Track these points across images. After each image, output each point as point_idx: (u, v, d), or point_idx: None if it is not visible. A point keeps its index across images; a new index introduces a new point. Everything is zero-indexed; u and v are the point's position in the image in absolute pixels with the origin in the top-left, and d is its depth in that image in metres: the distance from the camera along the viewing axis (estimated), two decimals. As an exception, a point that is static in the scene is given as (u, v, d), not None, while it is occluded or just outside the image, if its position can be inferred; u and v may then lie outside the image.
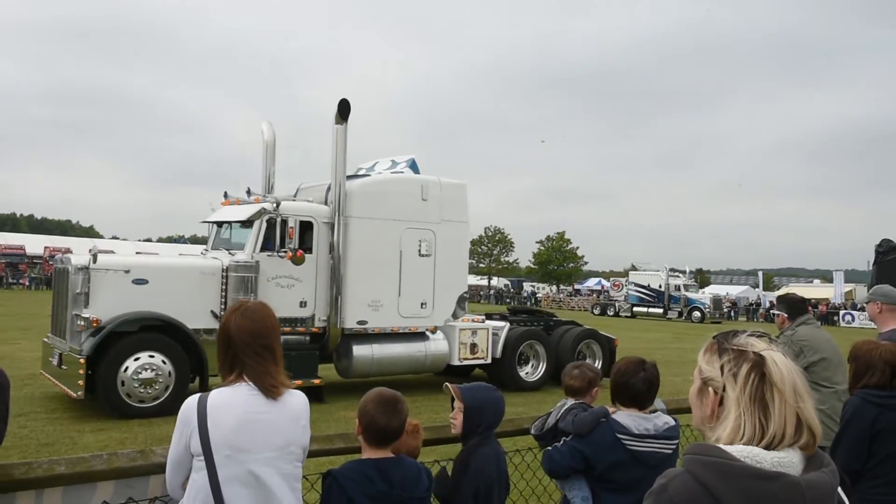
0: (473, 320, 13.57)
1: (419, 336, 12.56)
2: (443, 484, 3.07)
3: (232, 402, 2.47)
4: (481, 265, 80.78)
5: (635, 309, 48.30)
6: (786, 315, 5.56)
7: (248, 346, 2.51)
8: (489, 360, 13.20)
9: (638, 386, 3.22)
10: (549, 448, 3.32)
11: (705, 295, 48.49)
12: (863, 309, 36.90)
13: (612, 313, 49.21)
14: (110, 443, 8.49)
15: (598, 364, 14.25)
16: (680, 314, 46.17)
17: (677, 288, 47.34)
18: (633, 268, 54.48)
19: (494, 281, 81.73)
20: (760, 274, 73.62)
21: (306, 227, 11.52)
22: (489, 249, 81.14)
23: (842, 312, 48.80)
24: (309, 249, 11.44)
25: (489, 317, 14.57)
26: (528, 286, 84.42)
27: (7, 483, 2.61)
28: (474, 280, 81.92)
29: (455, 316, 13.07)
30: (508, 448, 4.00)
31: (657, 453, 3.09)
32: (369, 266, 11.92)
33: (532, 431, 3.59)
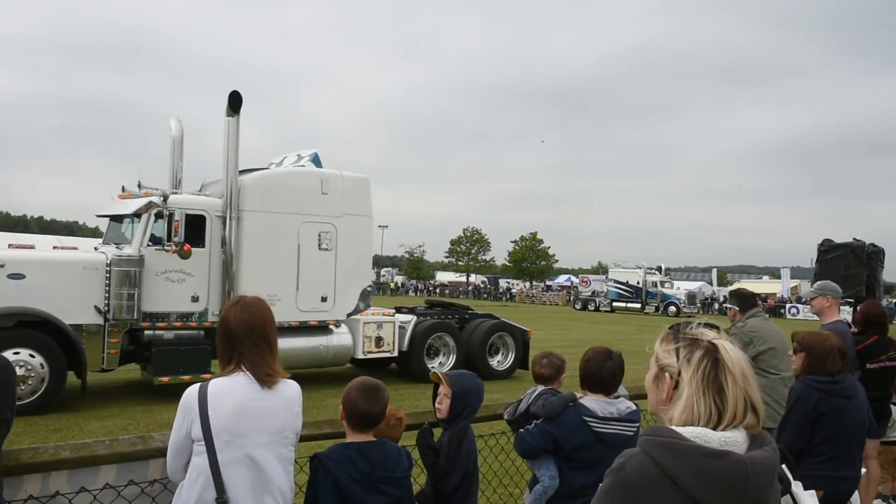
0: (385, 314, 12.63)
1: (321, 330, 11.69)
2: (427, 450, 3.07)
3: (230, 390, 2.46)
4: (460, 263, 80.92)
5: (615, 304, 48.14)
6: (737, 308, 5.63)
7: (247, 337, 2.52)
8: (396, 354, 12.41)
9: (603, 374, 3.25)
10: (522, 430, 3.33)
11: (680, 290, 48.48)
12: (807, 302, 37.50)
13: (592, 308, 49.13)
14: (114, 429, 8.42)
15: (511, 356, 13.81)
16: (657, 309, 46.13)
17: (654, 284, 47.34)
18: (600, 266, 54.86)
19: (473, 278, 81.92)
20: (714, 271, 74.37)
21: (199, 221, 10.63)
22: (468, 249, 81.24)
23: (788, 306, 49.62)
24: (201, 243, 10.57)
25: (399, 310, 13.65)
26: (503, 282, 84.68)
27: (16, 467, 2.58)
28: (454, 277, 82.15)
29: (359, 310, 12.15)
30: (484, 432, 4.01)
31: (620, 434, 3.12)
32: (265, 260, 11.08)
33: (505, 416, 3.60)
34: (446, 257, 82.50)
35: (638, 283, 47.52)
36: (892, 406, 6.24)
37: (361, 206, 12.16)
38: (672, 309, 45.00)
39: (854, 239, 8.03)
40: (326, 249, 11.65)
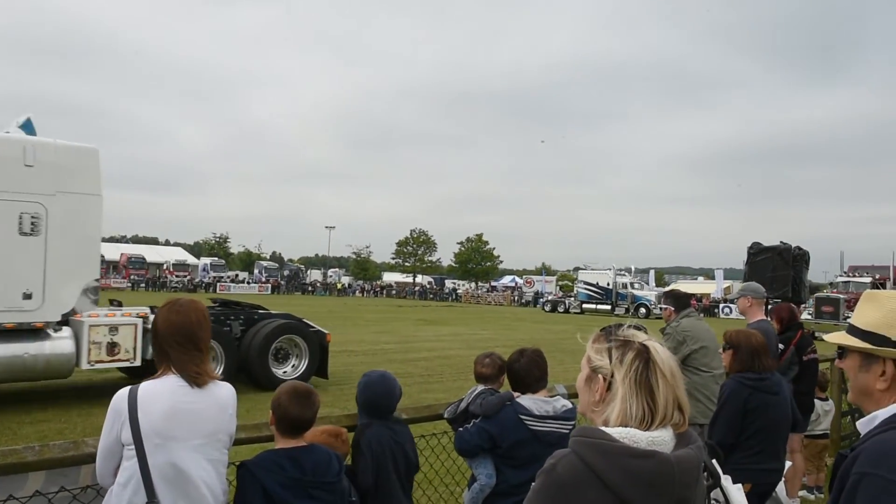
0: (125, 314, 10.16)
1: (27, 335, 9.37)
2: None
3: (160, 392, 2.40)
4: (407, 264, 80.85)
5: (585, 306, 47.28)
6: (672, 308, 5.76)
7: (172, 338, 2.46)
8: (138, 362, 9.98)
9: (517, 369, 3.28)
10: (460, 429, 3.34)
11: (651, 292, 47.56)
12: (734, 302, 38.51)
13: (562, 310, 48.22)
14: (49, 433, 8.08)
15: (305, 362, 11.95)
16: (627, 310, 44.93)
17: (624, 286, 46.56)
18: (544, 267, 55.21)
19: (419, 278, 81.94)
20: (652, 272, 76.04)
21: None
22: (414, 250, 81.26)
23: (721, 305, 50.89)
24: None
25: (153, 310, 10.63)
26: (449, 283, 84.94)
27: (-64, 476, 2.42)
28: (400, 277, 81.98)
29: (81, 309, 9.81)
30: (426, 432, 4.00)
31: (555, 432, 3.14)
32: None
33: (445, 415, 3.60)
34: (393, 258, 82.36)
35: (608, 284, 46.81)
36: (816, 401, 6.52)
37: (85, 183, 9.83)
38: (642, 310, 43.92)
39: (781, 242, 8.33)
40: (31, 234, 9.39)
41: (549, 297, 55.46)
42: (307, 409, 2.68)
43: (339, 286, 72.60)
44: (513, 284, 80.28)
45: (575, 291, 50.39)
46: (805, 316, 22.98)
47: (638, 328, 1.64)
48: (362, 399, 3.19)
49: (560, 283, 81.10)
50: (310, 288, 70.73)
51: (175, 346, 2.46)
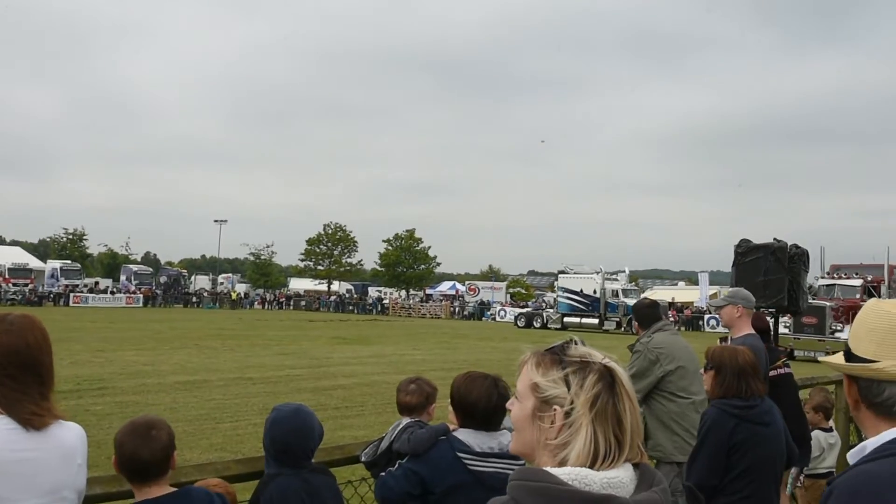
0: None
1: None
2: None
3: None
4: (319, 267, 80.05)
5: (566, 319, 47.03)
6: (640, 321, 5.88)
7: (2, 367, 2.34)
8: None
9: (481, 407, 3.23)
10: (383, 474, 3.31)
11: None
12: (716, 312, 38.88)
13: (538, 325, 47.90)
14: None
15: None
16: (618, 325, 44.22)
17: (615, 293, 46.14)
18: (491, 270, 55.45)
19: (335, 286, 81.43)
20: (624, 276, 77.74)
21: None
22: (329, 249, 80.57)
23: (707, 317, 51.60)
24: None
25: None
26: (373, 291, 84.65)
27: None
28: (311, 284, 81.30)
29: None
30: (340, 479, 3.96)
31: (500, 473, 3.11)
32: None
33: (363, 458, 3.56)
34: (302, 260, 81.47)
35: (595, 291, 46.54)
36: (818, 433, 6.71)
37: None
38: (635, 323, 44.27)
39: (775, 239, 8.60)
40: None
41: (526, 309, 55.17)
42: (143, 448, 2.61)
43: (232, 296, 71.50)
44: (453, 292, 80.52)
45: (554, 301, 50.17)
46: (782, 330, 23.33)
47: (584, 343, 1.66)
48: (269, 441, 3.13)
49: (511, 290, 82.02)
50: (194, 299, 69.52)
51: (6, 379, 2.34)
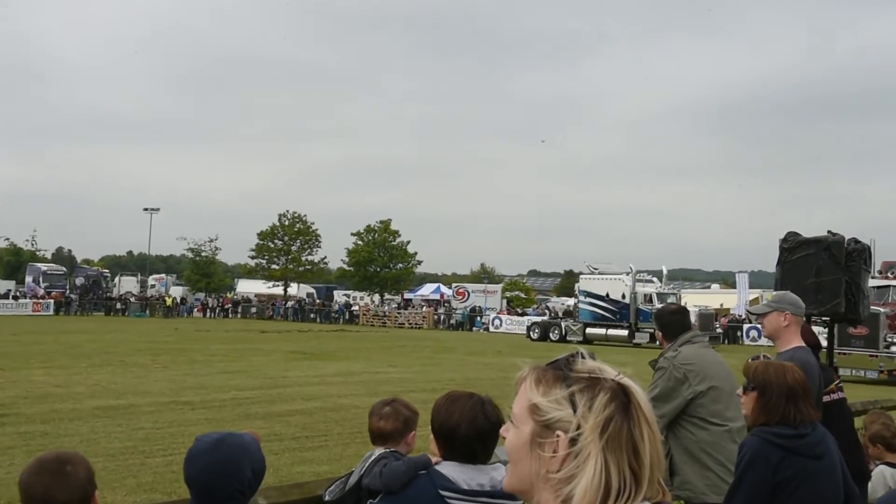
0: None
1: None
2: None
3: None
4: (274, 267, 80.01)
5: (589, 331, 47.12)
6: (664, 332, 5.90)
7: None
8: None
9: (464, 434, 3.25)
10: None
11: (689, 309, 47.02)
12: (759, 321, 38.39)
13: (556, 337, 48.28)
14: None
15: None
16: (652, 337, 43.05)
17: (648, 299, 46.01)
18: (484, 270, 55.43)
19: (293, 289, 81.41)
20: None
21: None
22: (285, 245, 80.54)
23: (746, 327, 51.90)
24: None
25: None
26: (340, 295, 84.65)
27: None
28: (264, 288, 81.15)
29: None
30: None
31: (490, 516, 3.15)
32: None
33: (327, 498, 3.58)
34: (253, 257, 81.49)
35: (624, 296, 46.51)
36: (884, 468, 6.75)
37: None
38: None
39: (829, 232, 8.64)
40: None
41: (540, 318, 55.04)
42: (58, 488, 2.61)
43: (166, 301, 71.39)
44: (437, 297, 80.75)
45: (574, 308, 50.07)
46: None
47: (593, 357, 1.66)
48: (185, 479, 3.14)
49: (507, 294, 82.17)
50: (119, 305, 69.36)
51: None
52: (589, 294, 48.30)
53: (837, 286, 8.29)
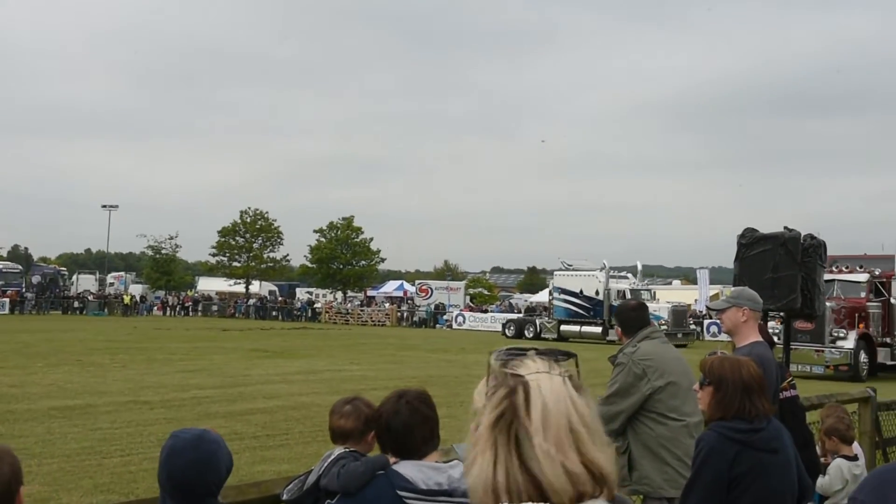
0: None
1: None
2: None
3: None
4: (235, 264, 79.55)
5: (563, 327, 47.10)
6: (623, 327, 5.94)
7: None
8: None
9: (393, 424, 3.29)
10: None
11: (661, 305, 46.14)
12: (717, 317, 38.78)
13: (531, 335, 48.16)
14: None
15: None
16: None
17: (621, 295, 45.25)
18: (447, 267, 55.37)
19: (255, 286, 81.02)
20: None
21: None
22: (247, 242, 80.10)
23: (707, 322, 52.50)
24: None
25: None
26: (302, 292, 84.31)
27: None
28: (225, 285, 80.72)
29: None
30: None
31: (449, 516, 3.17)
32: None
33: (284, 496, 3.57)
34: (213, 255, 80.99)
35: (597, 293, 46.47)
36: (840, 461, 6.83)
37: None
38: None
39: (785, 228, 8.76)
40: None
41: (516, 315, 55.08)
42: None
43: (125, 300, 70.72)
44: (400, 294, 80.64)
45: (550, 304, 50.14)
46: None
47: (564, 354, 1.66)
48: (165, 476, 3.13)
49: (470, 291, 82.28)
50: (77, 304, 68.66)
51: None
52: (563, 291, 48.24)
53: (794, 281, 8.40)
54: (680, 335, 43.97)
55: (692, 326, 49.18)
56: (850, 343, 26.92)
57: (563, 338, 46.00)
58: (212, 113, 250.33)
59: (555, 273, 51.28)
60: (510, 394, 1.56)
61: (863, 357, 27.26)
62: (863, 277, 29.54)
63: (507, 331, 50.71)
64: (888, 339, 28.75)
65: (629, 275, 50.24)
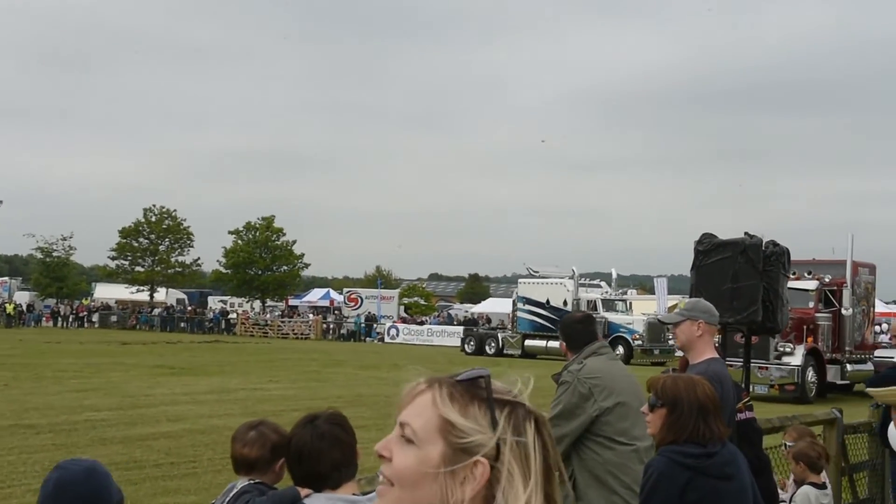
0: None
1: None
2: None
3: None
4: (138, 269, 78.71)
5: (528, 342, 46.56)
6: (568, 342, 5.98)
7: None
8: None
9: (304, 451, 3.30)
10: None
11: (635, 318, 46.22)
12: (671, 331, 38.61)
13: (492, 351, 48.04)
14: None
15: None
16: None
17: (592, 306, 44.96)
18: (379, 273, 55.24)
19: (161, 294, 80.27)
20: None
21: None
22: (152, 244, 79.31)
23: (664, 335, 53.04)
24: None
25: None
26: (215, 301, 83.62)
27: None
28: (127, 293, 79.76)
29: None
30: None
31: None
32: None
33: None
34: (113, 258, 79.99)
35: (565, 303, 45.30)
36: (808, 488, 6.97)
37: None
38: (619, 349, 42.55)
39: (746, 234, 8.88)
40: None
41: (480, 328, 54.78)
42: None
43: (8, 309, 69.48)
44: (326, 303, 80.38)
45: (513, 316, 49.52)
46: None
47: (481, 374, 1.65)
48: None
49: (405, 301, 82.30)
50: (-47, 314, 67.29)
51: None
52: (528, 301, 47.52)
53: (755, 292, 8.51)
54: (657, 351, 44.23)
55: (671, 342, 49.22)
56: (797, 359, 26.59)
57: (528, 354, 45.42)
58: (113, 100, 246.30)
59: (519, 281, 50.74)
60: (536, 424, 1.60)
61: (811, 375, 26.88)
62: (812, 285, 28.46)
63: (466, 345, 50.24)
64: (838, 356, 28.27)
65: (602, 283, 50.21)
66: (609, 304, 46.16)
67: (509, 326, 50.95)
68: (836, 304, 28.19)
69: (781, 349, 26.68)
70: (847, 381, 28.49)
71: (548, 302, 46.50)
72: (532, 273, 49.55)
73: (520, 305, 48.26)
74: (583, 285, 47.18)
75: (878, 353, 30.16)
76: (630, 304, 49.81)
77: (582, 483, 5.52)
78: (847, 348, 28.33)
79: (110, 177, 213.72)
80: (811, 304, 28.00)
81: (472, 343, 49.86)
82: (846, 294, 28.11)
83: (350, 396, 22.86)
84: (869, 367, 28.79)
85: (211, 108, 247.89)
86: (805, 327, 27.34)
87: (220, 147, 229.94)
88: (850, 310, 27.84)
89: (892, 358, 28.52)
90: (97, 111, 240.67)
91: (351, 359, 40.29)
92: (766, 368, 26.40)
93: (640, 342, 42.98)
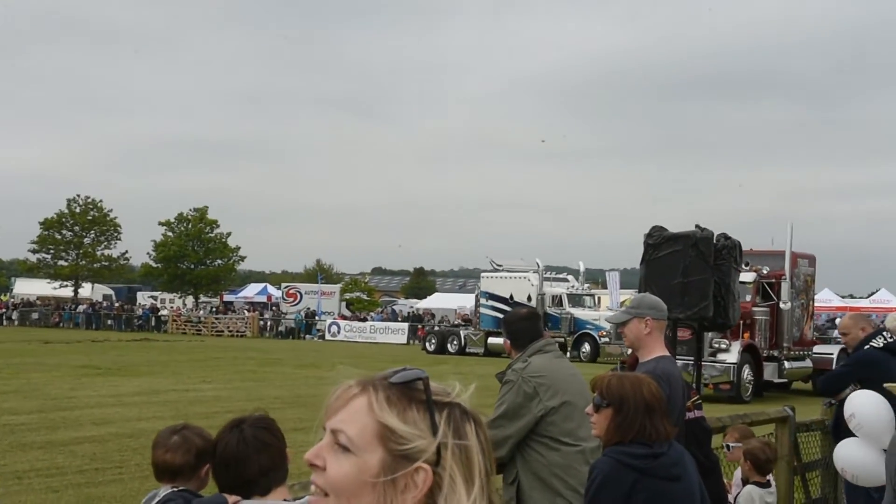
0: None
1: None
2: None
3: None
4: (62, 263, 77.90)
5: (491, 340, 44.62)
6: (511, 339, 6.02)
7: None
8: None
9: (232, 456, 3.30)
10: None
11: (601, 313, 44.97)
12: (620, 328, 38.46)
13: (454, 349, 48.01)
14: None
15: None
16: (563, 347, 39.94)
17: (558, 301, 45.53)
18: (319, 267, 54.95)
19: (87, 290, 79.53)
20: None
21: None
22: (76, 236, 78.50)
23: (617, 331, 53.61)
24: None
25: None
26: (144, 297, 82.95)
27: None
28: (50, 288, 78.92)
29: None
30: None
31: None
32: None
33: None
34: (35, 252, 79.05)
35: (529, 298, 44.58)
36: (751, 488, 7.11)
37: None
38: (586, 347, 43.44)
39: (697, 227, 8.98)
40: None
41: (439, 325, 54.73)
42: None
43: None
44: (263, 299, 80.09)
45: (475, 312, 49.37)
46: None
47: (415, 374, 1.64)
48: None
49: (347, 296, 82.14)
50: None
51: None
52: (491, 296, 47.13)
53: (706, 287, 8.60)
54: (630, 352, 43.32)
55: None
56: (732, 357, 26.13)
57: (491, 352, 44.34)
58: (33, 82, 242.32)
59: (482, 275, 50.35)
60: (475, 425, 1.62)
61: (747, 374, 26.55)
62: (749, 277, 27.39)
63: (427, 344, 50.31)
64: (776, 353, 28.01)
65: (569, 277, 50.19)
66: (575, 300, 46.15)
67: (472, 322, 50.65)
68: (774, 298, 27.94)
69: (716, 346, 26.37)
70: (785, 380, 28.40)
71: (511, 297, 45.83)
72: (496, 267, 49.10)
73: (483, 301, 47.98)
74: (548, 279, 46.98)
75: (816, 349, 30.09)
76: (598, 298, 49.85)
77: (526, 485, 5.56)
78: (785, 345, 28.03)
79: (31, 164, 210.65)
80: (748, 298, 27.11)
81: (433, 342, 49.80)
82: (785, 287, 27.79)
83: (289, 397, 22.81)
84: (808, 364, 28.78)
85: (141, 96, 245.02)
86: (741, 322, 25.52)
87: (150, 136, 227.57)
88: (789, 304, 27.52)
89: (830, 354, 28.87)
90: (18, 96, 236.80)
91: (289, 357, 40.18)
92: (701, 366, 25.94)
93: (607, 339, 42.42)
